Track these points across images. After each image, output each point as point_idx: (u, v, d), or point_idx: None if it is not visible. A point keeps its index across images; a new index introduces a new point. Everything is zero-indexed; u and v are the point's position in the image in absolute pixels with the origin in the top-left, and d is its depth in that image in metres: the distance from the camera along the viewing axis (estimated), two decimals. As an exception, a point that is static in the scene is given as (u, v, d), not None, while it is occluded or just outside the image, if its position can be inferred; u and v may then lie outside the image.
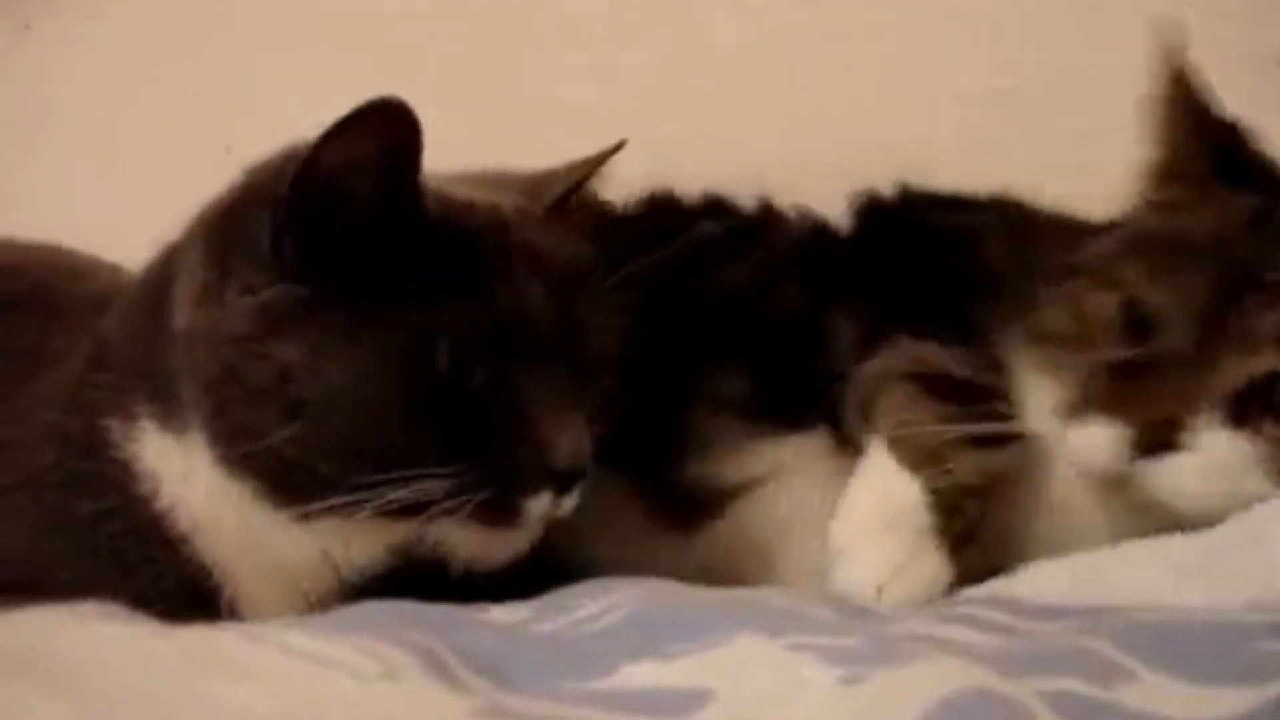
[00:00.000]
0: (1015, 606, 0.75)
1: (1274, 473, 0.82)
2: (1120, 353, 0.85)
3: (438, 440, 0.79)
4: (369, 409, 0.79)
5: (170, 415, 0.83)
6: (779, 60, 1.34)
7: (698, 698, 0.61)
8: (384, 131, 0.78)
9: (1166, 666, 0.62)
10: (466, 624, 0.70)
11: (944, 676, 0.59)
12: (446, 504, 0.79)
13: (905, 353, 0.90)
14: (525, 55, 1.37)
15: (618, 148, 0.94)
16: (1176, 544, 0.80)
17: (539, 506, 0.82)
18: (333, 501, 0.79)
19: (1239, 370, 0.83)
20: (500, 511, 0.81)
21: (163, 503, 0.83)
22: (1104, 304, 0.87)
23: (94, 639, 0.66)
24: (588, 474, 0.84)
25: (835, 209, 1.01)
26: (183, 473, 0.83)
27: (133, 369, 0.85)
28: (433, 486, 0.78)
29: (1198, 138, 0.92)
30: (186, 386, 0.82)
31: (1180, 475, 0.82)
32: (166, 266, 0.86)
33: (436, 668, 0.64)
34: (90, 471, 0.84)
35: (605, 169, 0.95)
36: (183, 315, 0.83)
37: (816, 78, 1.33)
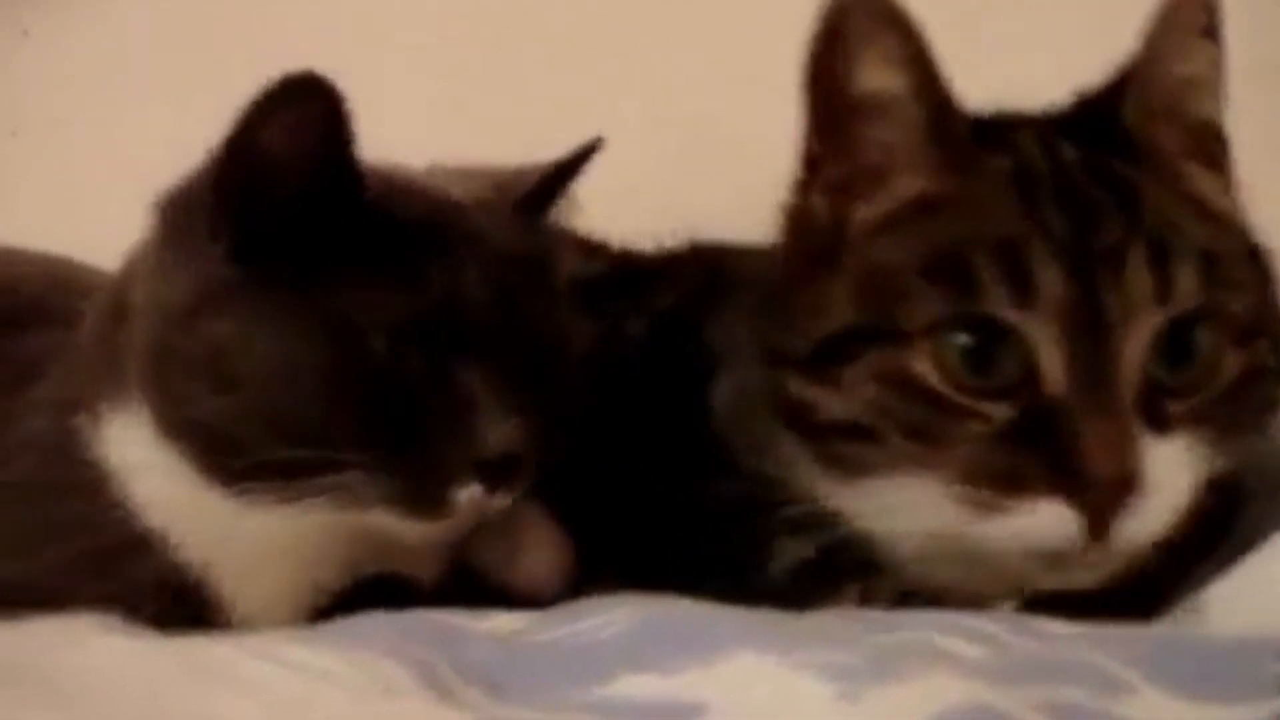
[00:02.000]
0: (1017, 624, 0.73)
1: (1209, 444, 0.75)
2: (1000, 410, 0.75)
3: (362, 426, 0.79)
4: (295, 390, 0.79)
5: (122, 399, 0.83)
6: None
7: (694, 711, 0.60)
8: (305, 107, 0.78)
9: (1164, 681, 0.61)
10: (465, 635, 0.70)
11: (940, 692, 0.59)
12: (370, 492, 0.79)
13: None
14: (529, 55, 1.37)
15: (595, 147, 0.92)
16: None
17: (466, 498, 0.81)
18: (261, 480, 0.79)
19: (1134, 363, 0.74)
20: (425, 502, 0.80)
21: (134, 500, 0.83)
22: (927, 369, 0.76)
23: (92, 650, 0.65)
24: (523, 468, 0.82)
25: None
26: (145, 463, 0.83)
27: (98, 361, 0.85)
28: (355, 474, 0.78)
29: (943, 107, 0.80)
30: (132, 363, 0.83)
31: (1152, 518, 0.74)
32: (133, 256, 0.87)
33: (433, 682, 0.64)
34: (66, 477, 0.84)
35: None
36: (138, 294, 0.84)
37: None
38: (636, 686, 0.63)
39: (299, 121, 0.79)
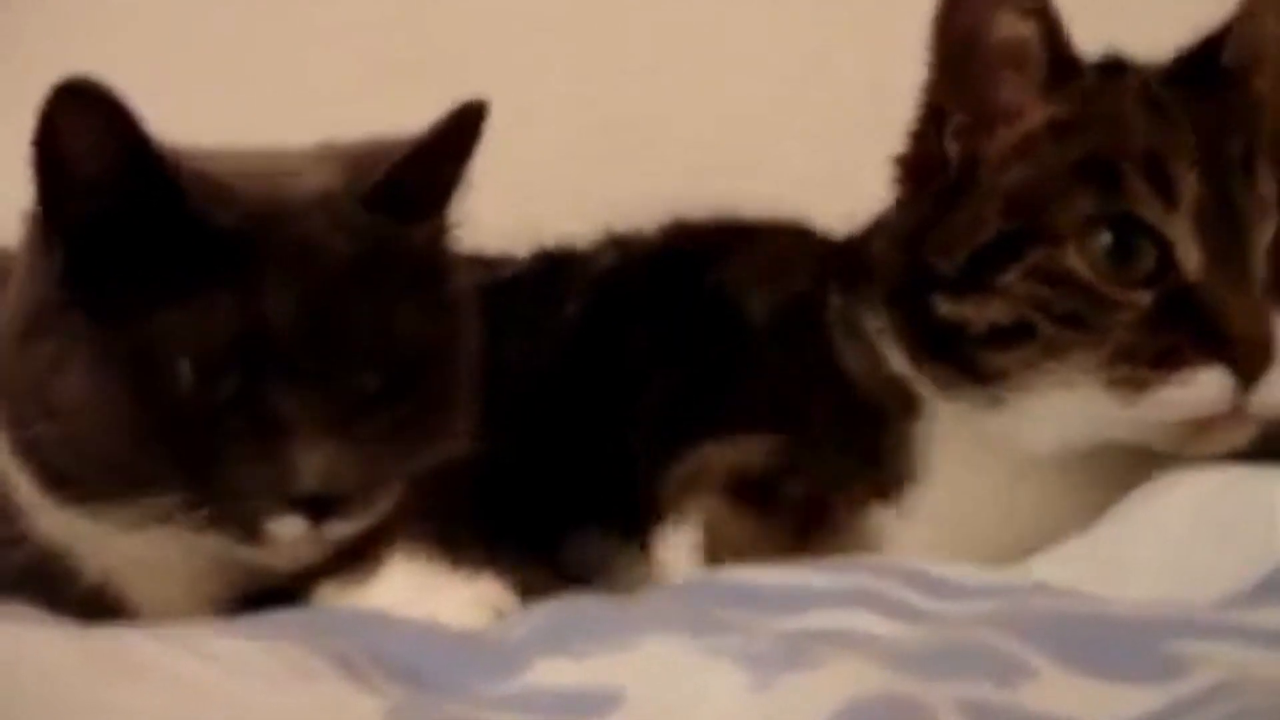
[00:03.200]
0: (928, 584, 0.76)
1: None
2: (1142, 297, 0.85)
3: (168, 459, 0.77)
4: (103, 421, 0.78)
5: None
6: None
7: (610, 700, 0.61)
8: (83, 116, 0.75)
9: (1073, 661, 0.62)
10: (381, 627, 0.70)
11: (852, 680, 0.59)
12: (187, 521, 0.77)
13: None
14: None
15: (478, 112, 0.82)
16: (1140, 539, 0.81)
17: (286, 530, 0.77)
18: (86, 503, 0.79)
19: (1259, 256, 0.84)
20: (244, 532, 0.78)
21: (26, 507, 0.82)
22: (1078, 263, 0.86)
23: (-3, 640, 0.65)
24: (354, 498, 0.78)
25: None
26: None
27: None
28: (168, 503, 0.77)
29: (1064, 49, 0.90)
30: None
31: None
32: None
33: (350, 671, 0.64)
34: None
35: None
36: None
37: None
38: (552, 674, 0.63)
39: (80, 131, 0.76)
